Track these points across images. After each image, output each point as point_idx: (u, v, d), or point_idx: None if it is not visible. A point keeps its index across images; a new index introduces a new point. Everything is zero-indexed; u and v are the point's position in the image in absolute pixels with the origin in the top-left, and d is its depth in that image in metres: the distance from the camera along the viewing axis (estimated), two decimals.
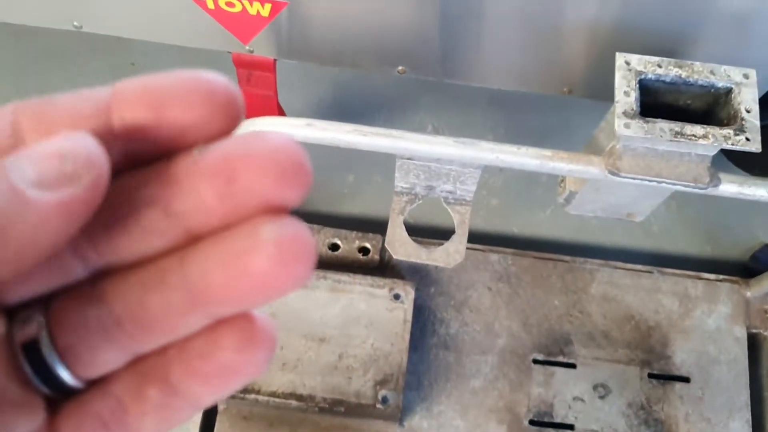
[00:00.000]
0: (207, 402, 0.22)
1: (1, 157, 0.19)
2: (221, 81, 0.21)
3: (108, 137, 0.20)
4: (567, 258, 1.24)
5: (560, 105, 1.36)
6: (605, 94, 0.84)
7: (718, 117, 0.84)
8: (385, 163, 1.20)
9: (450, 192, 0.96)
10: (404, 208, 0.98)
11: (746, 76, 0.82)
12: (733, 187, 0.87)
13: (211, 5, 0.92)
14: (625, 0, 0.86)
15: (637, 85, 0.81)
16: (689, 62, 0.82)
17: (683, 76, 0.82)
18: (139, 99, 0.21)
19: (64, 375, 0.21)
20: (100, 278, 0.22)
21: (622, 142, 0.83)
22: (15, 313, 0.21)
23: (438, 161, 0.89)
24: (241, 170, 0.20)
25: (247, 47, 1.00)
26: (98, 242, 0.21)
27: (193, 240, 0.21)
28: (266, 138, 0.20)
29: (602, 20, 0.89)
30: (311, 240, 0.20)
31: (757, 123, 0.80)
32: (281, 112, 1.15)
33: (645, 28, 0.89)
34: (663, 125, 0.79)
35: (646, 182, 0.85)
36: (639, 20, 0.88)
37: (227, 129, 0.21)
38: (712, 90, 0.83)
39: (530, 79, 1.00)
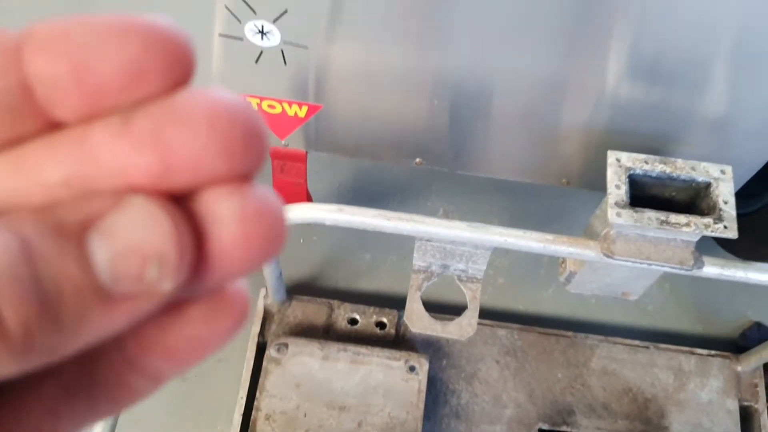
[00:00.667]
0: (171, 375, 0.19)
1: None
2: (162, 21, 0.17)
3: (24, 100, 0.16)
4: (569, 334, 1.33)
5: (560, 193, 1.48)
6: (599, 185, 0.95)
7: (700, 207, 0.96)
8: (399, 243, 1.32)
9: (463, 270, 1.07)
10: (421, 285, 1.08)
11: (723, 172, 0.94)
12: (715, 269, 0.98)
13: (254, 107, 1.05)
14: (615, 105, 0.99)
15: (627, 179, 0.93)
16: (673, 159, 0.95)
17: (667, 171, 0.94)
18: (55, 45, 0.16)
19: None
20: None
21: (615, 229, 0.94)
22: None
23: (453, 243, 1.00)
24: (174, 142, 0.16)
25: (283, 142, 1.13)
26: None
27: None
28: (207, 97, 0.16)
29: (596, 122, 1.02)
30: (275, 208, 0.17)
31: (734, 213, 0.92)
32: (309, 198, 1.27)
33: (633, 129, 1.02)
34: (651, 214, 0.91)
35: (638, 264, 0.96)
36: (628, 123, 1.01)
37: (168, 85, 0.16)
38: (694, 184, 0.95)
39: (532, 171, 1.13)
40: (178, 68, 0.16)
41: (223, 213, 0.16)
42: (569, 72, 0.94)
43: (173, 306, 0.17)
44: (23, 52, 0.16)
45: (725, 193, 0.93)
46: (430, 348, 1.30)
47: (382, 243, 1.43)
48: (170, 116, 0.16)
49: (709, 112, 0.96)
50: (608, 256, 0.96)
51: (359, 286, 1.40)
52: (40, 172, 0.16)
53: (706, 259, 0.97)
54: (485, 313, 1.36)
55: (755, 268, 0.99)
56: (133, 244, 0.15)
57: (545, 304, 1.41)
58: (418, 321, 1.07)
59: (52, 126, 0.16)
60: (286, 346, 1.22)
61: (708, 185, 0.94)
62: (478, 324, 1.34)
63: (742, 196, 1.31)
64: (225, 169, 0.16)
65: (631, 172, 0.94)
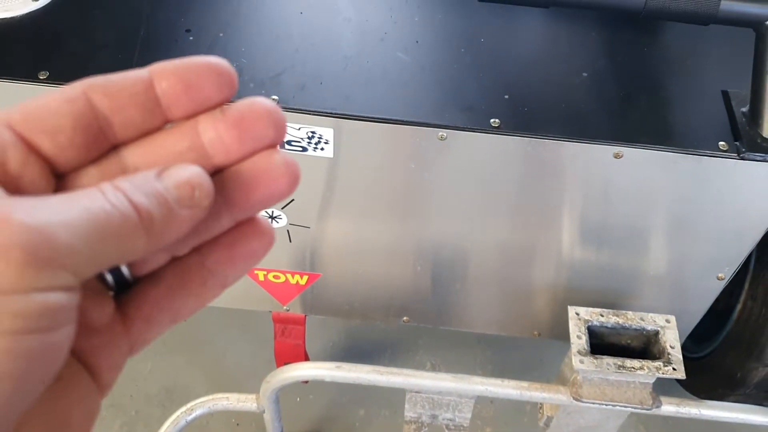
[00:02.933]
0: (232, 281, 0.29)
1: (86, 123, 0.26)
2: (225, 63, 0.28)
3: (154, 104, 0.27)
4: None
5: (537, 344, 1.62)
6: (565, 336, 1.09)
7: (652, 353, 1.10)
8: (390, 398, 1.43)
9: (450, 419, 1.18)
10: None
11: (668, 321, 1.09)
12: (672, 407, 1.10)
13: (261, 278, 1.21)
14: (572, 267, 1.16)
15: (586, 330, 1.08)
16: (624, 312, 1.10)
17: (620, 322, 1.09)
18: (172, 74, 0.27)
19: (125, 270, 0.28)
20: None
21: (581, 375, 1.08)
22: None
23: (440, 393, 1.12)
24: (251, 123, 0.27)
25: (285, 307, 1.27)
26: None
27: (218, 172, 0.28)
28: (260, 101, 0.28)
29: (557, 282, 1.18)
30: (296, 162, 0.28)
31: (680, 356, 1.06)
32: (306, 357, 1.39)
33: (590, 287, 1.18)
34: (609, 360, 1.05)
35: (603, 406, 1.09)
36: (585, 281, 1.18)
37: (229, 96, 0.28)
38: (644, 332, 1.10)
39: (506, 325, 1.27)
40: (231, 86, 0.28)
41: (277, 160, 0.28)
42: (530, 242, 1.11)
43: (230, 233, 0.29)
44: (153, 79, 0.27)
45: (671, 339, 1.08)
46: None
47: (375, 399, 1.54)
48: (246, 109, 0.27)
49: (651, 271, 1.13)
50: (577, 400, 1.09)
51: None
52: (174, 145, 0.28)
53: (663, 398, 1.10)
54: None
55: (707, 406, 1.12)
56: (186, 180, 0.26)
57: None
58: None
59: (166, 121, 0.28)
60: None
61: (656, 333, 1.09)
62: None
63: (697, 340, 1.46)
64: (273, 137, 0.28)
65: (590, 323, 1.09)
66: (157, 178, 0.25)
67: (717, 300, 1.39)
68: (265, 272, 1.19)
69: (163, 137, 0.28)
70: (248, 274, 1.21)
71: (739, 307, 1.28)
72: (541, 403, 1.25)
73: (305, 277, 1.19)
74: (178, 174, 0.26)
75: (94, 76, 0.27)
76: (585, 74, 1.00)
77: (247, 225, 0.29)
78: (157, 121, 0.28)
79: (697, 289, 1.14)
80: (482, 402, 1.58)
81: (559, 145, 0.92)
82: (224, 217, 0.28)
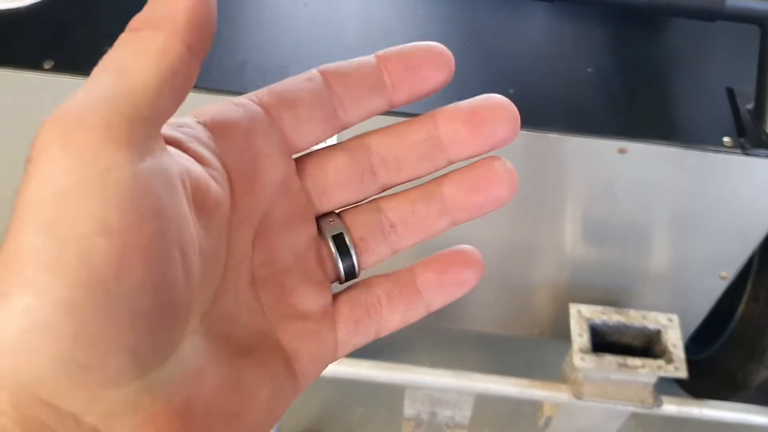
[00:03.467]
0: (436, 306, 0.31)
1: (323, 100, 0.28)
2: (442, 47, 0.28)
3: (381, 86, 0.28)
4: None
5: (537, 346, 1.61)
6: (567, 334, 1.09)
7: (654, 351, 1.10)
8: (389, 397, 1.42)
9: (450, 417, 1.18)
10: (412, 431, 1.19)
11: (670, 320, 1.09)
12: (673, 407, 1.10)
13: None
14: (574, 264, 1.15)
15: (588, 328, 1.07)
16: (626, 310, 1.09)
17: (622, 320, 1.08)
18: (395, 57, 0.28)
19: (356, 260, 0.30)
20: (378, 197, 0.30)
21: (582, 373, 1.07)
22: (321, 218, 0.30)
23: (440, 390, 1.12)
24: (485, 117, 0.28)
25: None
26: (388, 167, 0.30)
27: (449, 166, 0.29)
28: (495, 97, 0.29)
29: (559, 279, 1.17)
30: (515, 171, 0.29)
31: (682, 355, 1.05)
32: None
33: (593, 284, 1.18)
34: (610, 358, 1.04)
35: (604, 405, 1.08)
36: (587, 278, 1.17)
37: (447, 77, 0.29)
38: (646, 331, 1.09)
39: (507, 323, 1.27)
40: (449, 67, 0.29)
41: (499, 169, 0.30)
42: (534, 239, 1.11)
43: (443, 257, 0.31)
44: (379, 63, 0.29)
45: (673, 338, 1.07)
46: None
47: (373, 397, 1.53)
48: (481, 103, 0.29)
49: (654, 269, 1.12)
50: (578, 398, 1.08)
51: None
52: (412, 134, 0.29)
53: (664, 398, 1.09)
54: None
55: (709, 406, 1.11)
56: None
57: None
58: None
59: (392, 104, 0.30)
60: None
61: (658, 332, 1.08)
62: None
63: (699, 342, 1.45)
64: (506, 133, 0.29)
65: (591, 321, 1.08)
66: None
67: (720, 301, 1.39)
68: None
69: (404, 126, 0.30)
70: None
71: (741, 308, 1.27)
72: (540, 403, 1.24)
73: None
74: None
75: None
76: (590, 69, 0.99)
77: (461, 254, 0.31)
78: (384, 104, 0.29)
79: (699, 288, 1.13)
80: (481, 402, 1.57)
81: (563, 140, 0.92)
82: (441, 219, 0.31)
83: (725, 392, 1.33)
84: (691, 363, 1.47)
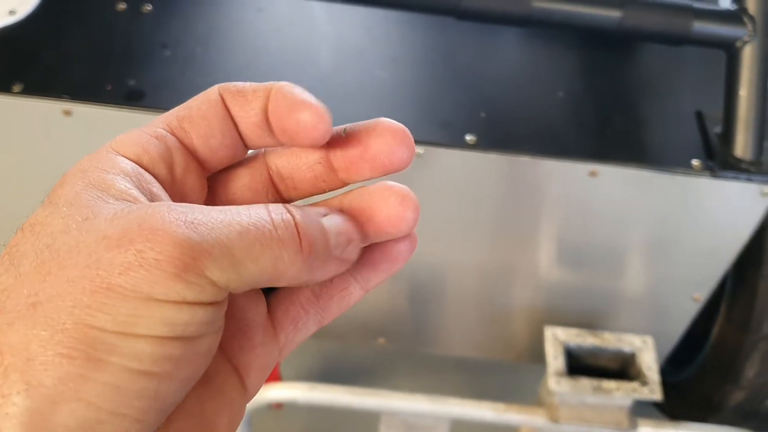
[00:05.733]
0: (373, 284, 0.30)
1: (229, 125, 0.28)
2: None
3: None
4: None
5: (516, 369, 1.61)
6: (544, 358, 1.08)
7: (629, 374, 1.09)
8: (366, 423, 1.40)
9: None
10: None
11: (645, 342, 1.09)
12: (649, 429, 1.09)
13: None
14: (550, 288, 1.15)
15: (564, 351, 1.07)
16: (601, 332, 1.09)
17: (597, 343, 1.08)
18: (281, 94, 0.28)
19: None
20: None
21: (558, 397, 1.06)
22: None
23: (415, 416, 1.11)
24: (373, 141, 0.28)
25: None
26: (286, 185, 0.30)
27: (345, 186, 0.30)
28: (385, 121, 0.29)
29: (535, 303, 1.17)
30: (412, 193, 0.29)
31: (657, 378, 1.05)
32: (280, 380, 1.37)
33: (568, 307, 1.18)
34: (585, 382, 1.04)
35: (580, 428, 1.07)
36: (563, 302, 1.17)
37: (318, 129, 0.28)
38: (621, 354, 1.09)
39: (484, 347, 1.26)
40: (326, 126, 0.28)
41: (396, 189, 0.29)
42: (509, 263, 1.11)
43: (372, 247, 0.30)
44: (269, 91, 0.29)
45: (648, 361, 1.07)
46: None
47: (350, 424, 1.51)
48: (370, 127, 0.29)
49: (628, 291, 1.13)
50: (554, 422, 1.07)
51: None
52: (307, 156, 0.29)
53: (640, 420, 1.09)
54: None
55: (685, 428, 1.11)
56: (345, 230, 0.27)
57: None
58: None
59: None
60: None
61: (633, 354, 1.08)
62: None
63: (676, 364, 1.45)
64: (399, 158, 0.29)
65: (566, 344, 1.08)
66: (321, 216, 0.27)
67: (695, 323, 1.39)
68: None
69: (298, 151, 0.30)
70: None
71: (715, 330, 1.27)
72: (517, 428, 1.23)
73: None
74: (340, 223, 0.27)
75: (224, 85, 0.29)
76: (561, 94, 1.00)
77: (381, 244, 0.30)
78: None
79: (673, 310, 1.14)
80: (457, 427, 1.56)
81: (534, 163, 0.92)
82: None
83: (701, 414, 1.33)
84: (667, 385, 1.47)
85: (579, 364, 1.10)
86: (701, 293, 1.10)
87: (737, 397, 1.24)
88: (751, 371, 1.20)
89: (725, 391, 1.25)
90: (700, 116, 0.99)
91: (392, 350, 1.63)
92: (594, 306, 1.17)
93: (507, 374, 1.63)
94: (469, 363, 1.63)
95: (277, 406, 1.42)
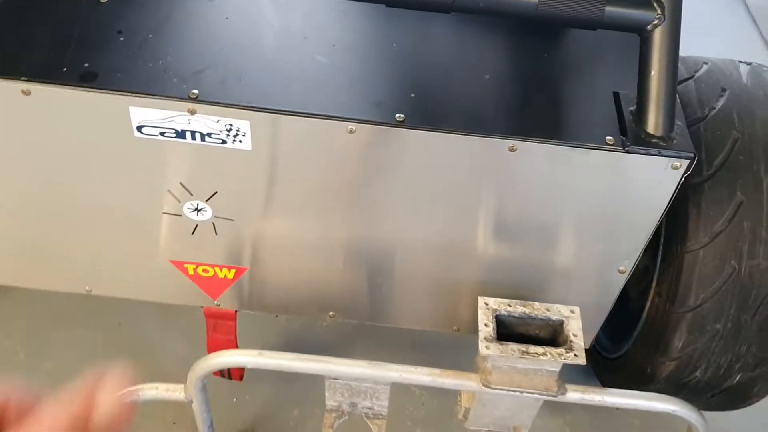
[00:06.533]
0: None
1: None
2: None
3: None
4: None
5: (469, 348, 1.67)
6: None
7: (558, 342, 1.16)
8: (323, 397, 1.46)
9: (369, 408, 1.23)
10: (333, 423, 1.24)
11: (572, 312, 1.15)
12: (577, 394, 1.16)
13: (191, 272, 1.26)
14: (488, 264, 1.22)
15: (494, 319, 1.14)
16: (531, 303, 1.16)
17: (527, 312, 1.15)
18: None
19: None
20: None
21: (490, 362, 1.13)
22: None
23: (357, 380, 1.17)
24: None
25: (215, 302, 1.32)
26: None
27: None
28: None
29: (472, 277, 1.24)
30: None
31: (582, 344, 1.12)
32: None
33: (505, 282, 1.24)
34: (513, 346, 1.11)
35: (511, 392, 1.14)
36: (500, 277, 1.24)
37: None
38: (550, 322, 1.16)
39: (427, 320, 1.33)
40: None
41: None
42: (439, 236, 1.18)
43: None
44: None
45: (575, 328, 1.14)
46: None
47: (309, 399, 1.58)
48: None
49: (557, 265, 1.20)
50: (486, 386, 1.14)
51: None
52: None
53: (568, 386, 1.16)
54: None
55: (610, 393, 1.17)
56: None
57: None
58: None
59: None
60: None
61: (561, 323, 1.15)
62: None
63: (616, 341, 1.53)
64: None
65: (497, 313, 1.15)
66: None
67: (632, 300, 1.47)
68: (195, 266, 1.24)
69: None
70: (178, 268, 1.26)
71: (647, 304, 1.34)
72: (459, 396, 1.30)
73: (233, 271, 1.25)
74: None
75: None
76: (487, 76, 1.07)
77: None
78: None
79: (600, 282, 1.21)
80: (414, 403, 1.63)
81: (457, 139, 0.99)
82: None
83: (637, 386, 1.39)
84: (609, 360, 1.55)
85: (512, 333, 1.17)
86: (626, 266, 1.17)
87: (668, 367, 1.31)
88: (679, 342, 1.27)
89: (656, 363, 1.32)
90: (617, 96, 1.06)
91: (350, 330, 1.70)
92: (528, 280, 1.24)
93: (461, 355, 1.69)
94: (425, 343, 1.70)
95: (238, 378, 1.49)
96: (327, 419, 1.25)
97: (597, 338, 1.66)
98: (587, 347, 1.37)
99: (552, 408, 1.65)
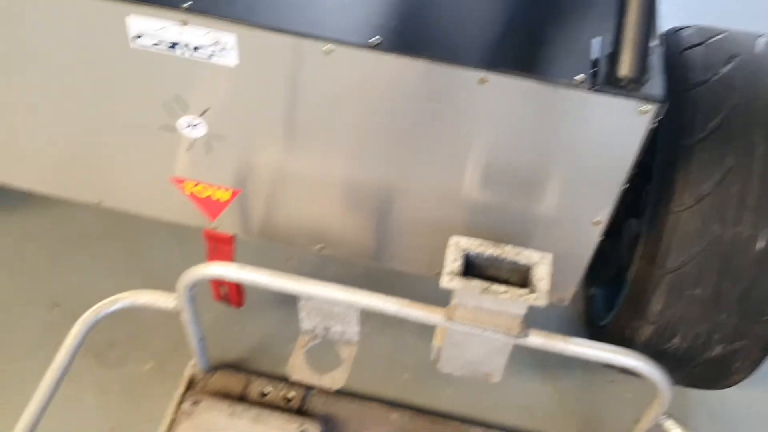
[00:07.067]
0: None
1: None
2: None
3: None
4: (455, 423, 1.49)
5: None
6: None
7: (526, 287, 1.18)
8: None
9: (341, 333, 1.28)
10: (307, 344, 1.29)
11: (543, 257, 1.16)
12: (540, 339, 1.18)
13: (189, 190, 1.34)
14: (461, 205, 1.24)
15: (463, 257, 1.16)
16: (503, 245, 1.18)
17: (496, 255, 1.17)
18: None
19: None
20: None
21: (457, 298, 1.16)
22: None
23: (328, 302, 1.22)
24: None
25: (213, 224, 1.40)
26: None
27: None
28: None
29: (449, 220, 1.27)
30: None
31: (546, 288, 1.13)
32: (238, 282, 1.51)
33: (482, 228, 1.27)
34: (475, 282, 1.13)
35: (473, 329, 1.16)
36: (476, 222, 1.26)
37: None
38: (518, 266, 1.17)
39: (409, 262, 1.36)
40: None
41: None
42: (424, 176, 1.21)
43: None
44: None
45: (542, 273, 1.15)
46: (329, 422, 1.47)
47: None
48: None
49: (531, 211, 1.21)
50: (450, 319, 1.17)
51: (279, 371, 1.59)
52: None
53: (532, 331, 1.18)
54: (388, 403, 1.53)
55: (574, 342, 1.18)
56: None
57: (443, 400, 1.58)
58: (299, 371, 1.27)
59: None
60: (199, 402, 1.41)
61: (529, 268, 1.17)
62: (376, 404, 1.52)
63: (608, 309, 1.52)
64: None
65: (467, 252, 1.17)
66: None
67: (623, 267, 1.46)
68: (193, 184, 1.32)
69: None
70: (178, 185, 1.34)
71: (633, 269, 1.34)
72: (433, 336, 1.33)
73: (228, 192, 1.32)
74: None
75: None
76: (465, 10, 1.10)
77: None
78: None
79: (576, 233, 1.21)
80: (404, 349, 1.66)
81: (429, 67, 1.03)
82: None
83: None
84: (600, 328, 1.54)
85: (481, 275, 1.19)
86: (600, 217, 1.17)
87: (646, 332, 1.30)
88: (657, 305, 1.26)
89: (635, 327, 1.32)
90: (597, 41, 1.07)
91: (340, 271, 1.75)
92: (506, 226, 1.25)
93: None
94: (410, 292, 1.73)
95: (236, 304, 1.57)
96: (301, 340, 1.30)
97: (593, 307, 1.66)
98: (567, 300, 1.37)
99: (543, 374, 1.66)
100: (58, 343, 1.27)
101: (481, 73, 1.03)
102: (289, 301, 1.71)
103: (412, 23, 1.09)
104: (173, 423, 1.39)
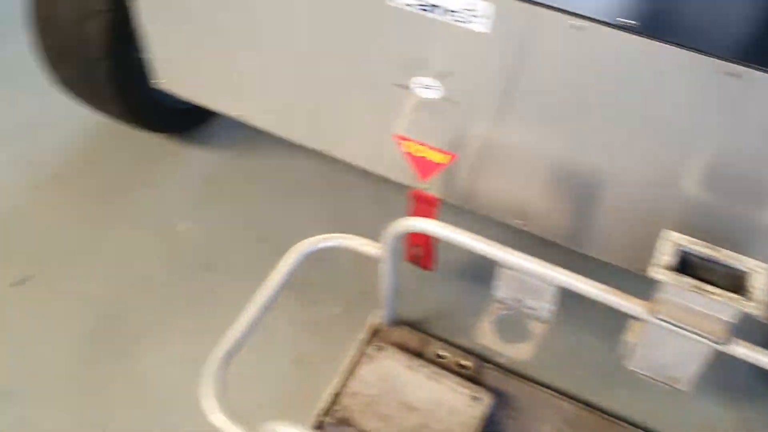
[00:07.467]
0: None
1: None
2: None
3: None
4: (629, 427, 1.46)
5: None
6: None
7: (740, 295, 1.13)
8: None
9: (533, 309, 1.29)
10: (497, 312, 1.32)
11: (764, 268, 1.11)
12: (744, 350, 1.13)
13: (408, 148, 1.41)
14: (689, 208, 1.21)
15: (676, 251, 1.13)
16: (720, 248, 1.14)
17: (712, 255, 1.13)
18: None
19: None
20: None
21: (662, 293, 1.14)
22: None
23: (527, 273, 1.24)
24: None
25: (425, 184, 1.46)
26: None
27: None
28: None
29: (672, 219, 1.24)
30: None
31: (763, 298, 1.08)
32: (433, 246, 1.56)
33: (696, 225, 1.23)
34: (688, 279, 1.10)
35: (674, 328, 1.13)
36: (697, 222, 1.23)
37: None
38: (734, 272, 1.12)
39: (615, 253, 1.35)
40: None
41: None
42: (653, 169, 1.19)
43: None
44: None
45: (760, 282, 1.10)
46: (500, 396, 1.49)
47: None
48: None
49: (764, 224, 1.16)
50: (654, 314, 1.14)
51: (456, 339, 1.63)
52: None
53: (737, 340, 1.13)
54: (562, 394, 1.53)
55: None
56: None
57: (617, 402, 1.55)
58: (485, 336, 1.30)
59: None
60: (382, 348, 1.48)
61: (745, 274, 1.11)
62: (548, 392, 1.52)
63: None
64: None
65: (681, 248, 1.14)
66: None
67: None
68: (413, 143, 1.39)
69: None
70: (398, 142, 1.41)
71: None
72: (627, 330, 1.31)
73: (447, 156, 1.37)
74: None
75: None
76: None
77: None
78: None
79: None
80: (581, 346, 1.64)
81: (682, 55, 1.02)
82: None
83: None
84: None
85: (693, 274, 1.15)
86: None
87: None
88: None
89: None
90: None
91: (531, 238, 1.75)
92: (723, 231, 1.21)
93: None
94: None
95: (426, 268, 1.63)
96: (492, 309, 1.33)
97: None
98: None
99: (726, 399, 1.58)
100: (261, 273, 1.38)
101: (735, 67, 1.00)
102: (476, 277, 1.77)
103: (669, 6, 1.07)
104: (356, 364, 1.48)
